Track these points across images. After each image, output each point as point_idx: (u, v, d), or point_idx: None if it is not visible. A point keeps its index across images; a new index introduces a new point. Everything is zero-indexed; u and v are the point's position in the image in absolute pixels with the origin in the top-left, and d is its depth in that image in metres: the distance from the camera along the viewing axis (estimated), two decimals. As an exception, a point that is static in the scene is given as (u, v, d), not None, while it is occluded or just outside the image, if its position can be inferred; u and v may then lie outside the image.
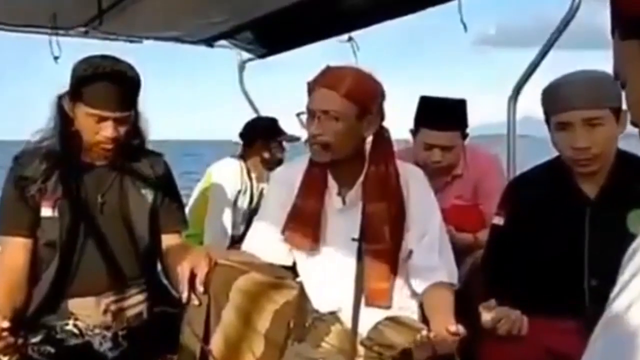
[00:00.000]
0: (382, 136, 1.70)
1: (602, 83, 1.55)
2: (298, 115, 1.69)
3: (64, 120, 1.76)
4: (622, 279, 0.65)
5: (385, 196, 1.66)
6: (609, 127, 1.58)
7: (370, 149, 1.71)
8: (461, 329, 1.42)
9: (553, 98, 1.64)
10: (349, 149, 1.67)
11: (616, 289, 0.66)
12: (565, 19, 2.25)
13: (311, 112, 1.64)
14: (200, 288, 1.61)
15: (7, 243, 1.76)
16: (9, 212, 1.77)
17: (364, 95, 1.62)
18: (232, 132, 3.32)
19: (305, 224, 1.71)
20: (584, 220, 1.64)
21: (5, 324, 1.44)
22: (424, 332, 1.42)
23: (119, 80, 1.70)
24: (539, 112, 1.72)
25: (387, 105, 1.72)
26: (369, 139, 1.72)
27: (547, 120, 1.67)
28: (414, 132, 2.32)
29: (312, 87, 1.66)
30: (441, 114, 2.25)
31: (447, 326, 1.41)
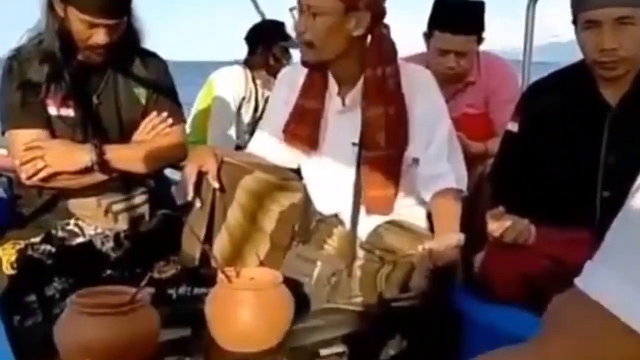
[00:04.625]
0: (380, 35, 1.58)
1: None
2: (291, 10, 1.59)
3: (56, 20, 1.67)
4: None
5: (383, 100, 1.57)
6: (639, 28, 1.47)
7: (368, 50, 1.59)
8: (461, 238, 1.39)
9: None
10: (337, 48, 1.56)
11: (636, 185, 0.62)
12: None
13: (301, 7, 1.55)
14: (215, 184, 1.58)
15: (26, 135, 1.70)
16: (19, 109, 1.71)
17: None
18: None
19: (305, 124, 1.66)
20: (603, 128, 1.58)
21: None
22: (427, 246, 1.39)
23: None
24: (566, 37, 1.60)
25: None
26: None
27: (575, 21, 1.56)
28: (428, 36, 2.20)
29: None
30: (458, 16, 2.12)
31: (446, 239, 1.39)
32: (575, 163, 1.59)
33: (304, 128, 1.66)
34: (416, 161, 1.62)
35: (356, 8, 1.52)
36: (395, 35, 1.64)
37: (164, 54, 1.92)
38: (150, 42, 1.86)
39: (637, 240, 0.54)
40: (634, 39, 1.49)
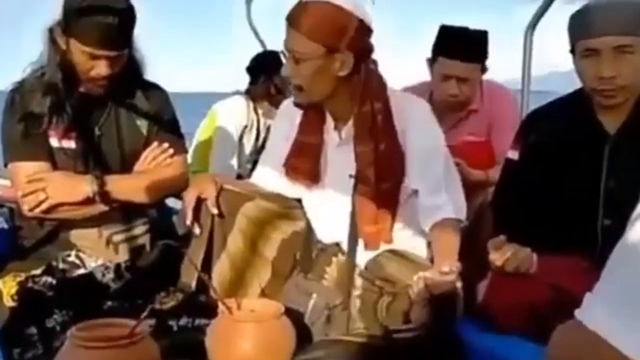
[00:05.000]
0: (368, 71, 1.58)
1: (638, 8, 1.45)
2: (281, 52, 1.61)
3: (58, 52, 1.70)
4: None
5: (373, 136, 1.58)
6: (638, 56, 1.49)
7: (355, 87, 1.58)
8: (456, 266, 1.38)
9: (582, 22, 1.53)
10: (324, 90, 1.57)
11: (635, 213, 0.63)
12: None
13: (286, 52, 1.57)
14: (214, 210, 1.59)
15: (28, 167, 1.71)
16: (21, 142, 1.72)
17: (327, 33, 1.50)
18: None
19: (304, 158, 1.67)
20: (602, 156, 1.58)
21: None
22: (421, 274, 1.39)
23: (113, 16, 1.62)
24: (564, 66, 1.62)
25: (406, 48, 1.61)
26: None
27: (573, 50, 1.57)
28: (431, 62, 2.23)
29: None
30: (461, 44, 2.14)
31: (440, 267, 1.38)
32: (575, 191, 1.59)
33: (304, 162, 1.67)
34: (416, 192, 1.62)
35: (337, 50, 1.51)
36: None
37: (165, 85, 1.94)
38: (151, 73, 1.88)
39: (633, 272, 0.55)
40: (632, 67, 1.49)
